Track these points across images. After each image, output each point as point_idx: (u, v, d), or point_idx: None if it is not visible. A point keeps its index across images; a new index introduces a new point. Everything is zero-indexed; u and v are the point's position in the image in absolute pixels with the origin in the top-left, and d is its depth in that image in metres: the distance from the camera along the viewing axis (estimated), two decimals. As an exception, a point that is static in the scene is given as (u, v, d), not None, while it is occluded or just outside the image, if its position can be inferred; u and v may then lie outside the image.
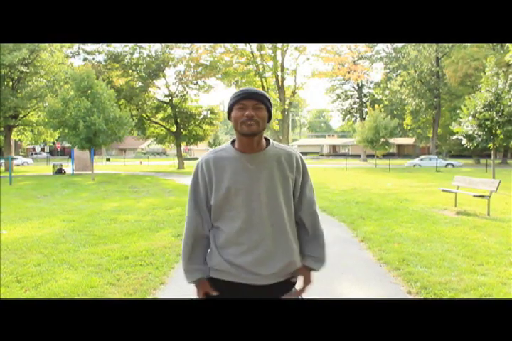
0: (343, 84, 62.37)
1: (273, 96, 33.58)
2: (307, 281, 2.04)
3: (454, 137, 20.01)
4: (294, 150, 2.09)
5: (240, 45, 32.33)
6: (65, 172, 28.10)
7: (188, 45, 34.41)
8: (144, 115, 35.48)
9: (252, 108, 1.89)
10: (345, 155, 55.83)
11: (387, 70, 55.43)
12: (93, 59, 34.92)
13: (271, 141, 2.05)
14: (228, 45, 32.31)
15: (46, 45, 29.55)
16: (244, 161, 1.95)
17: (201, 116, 36.89)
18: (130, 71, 34.91)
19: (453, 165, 38.39)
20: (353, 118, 62.51)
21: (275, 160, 1.98)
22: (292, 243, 2.01)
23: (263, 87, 31.95)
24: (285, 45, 31.24)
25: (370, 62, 57.75)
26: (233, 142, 2.05)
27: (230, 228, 1.95)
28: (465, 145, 18.47)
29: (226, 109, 2.01)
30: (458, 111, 18.68)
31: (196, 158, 60.69)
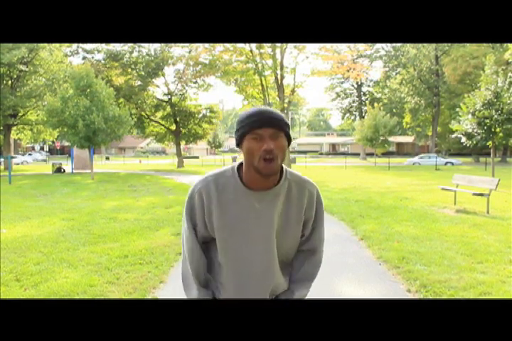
0: (342, 83, 62.37)
1: (272, 95, 33.55)
2: None
3: (454, 135, 20.00)
4: (311, 184, 1.77)
5: (239, 44, 32.28)
6: (64, 171, 28.09)
7: (187, 43, 34.38)
8: (143, 114, 35.47)
9: (269, 138, 1.55)
10: (344, 154, 55.83)
11: (387, 69, 55.39)
12: (92, 58, 34.91)
13: (284, 169, 1.71)
14: (227, 44, 32.24)
15: (45, 43, 29.53)
16: (251, 200, 1.65)
17: (200, 115, 36.91)
18: (129, 70, 34.90)
19: (452, 164, 38.40)
20: (353, 117, 62.54)
21: (287, 195, 1.70)
22: (283, 284, 1.80)
23: (262, 85, 31.91)
24: (284, 44, 31.19)
25: (369, 61, 57.73)
26: (239, 168, 1.70)
27: (227, 267, 1.71)
28: (464, 144, 18.47)
29: (235, 134, 1.65)
30: (457, 110, 18.67)
31: (196, 157, 60.74)
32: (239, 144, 1.65)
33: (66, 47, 33.98)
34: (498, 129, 16.78)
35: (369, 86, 62.08)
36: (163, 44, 34.36)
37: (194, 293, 1.71)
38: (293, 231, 1.74)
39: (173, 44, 34.37)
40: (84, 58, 34.83)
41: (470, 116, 17.17)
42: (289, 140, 1.64)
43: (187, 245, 1.76)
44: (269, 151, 1.53)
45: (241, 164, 1.70)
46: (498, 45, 36.27)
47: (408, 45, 47.78)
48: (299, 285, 1.81)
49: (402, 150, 66.54)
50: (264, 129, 1.55)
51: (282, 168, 1.70)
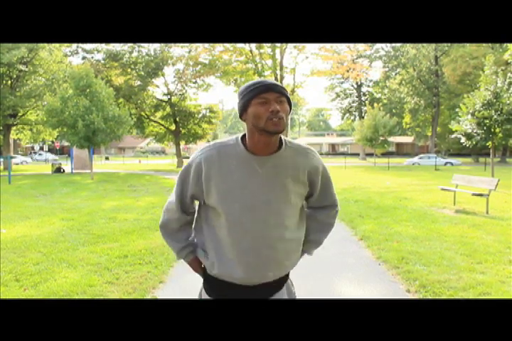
0: (342, 83, 62.41)
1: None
2: None
3: (453, 136, 19.98)
4: (309, 150, 1.84)
5: (239, 44, 32.30)
6: (64, 171, 28.08)
7: (186, 43, 34.39)
8: (143, 114, 35.46)
9: (275, 102, 1.65)
10: (344, 154, 55.83)
11: (386, 69, 55.42)
12: (92, 58, 34.89)
13: (283, 138, 1.79)
14: (227, 44, 32.26)
15: (45, 43, 29.53)
16: (254, 164, 1.70)
17: (200, 115, 36.89)
18: (129, 70, 34.88)
19: (452, 164, 38.41)
20: (352, 117, 62.55)
21: (289, 163, 1.75)
22: (297, 258, 1.87)
23: (262, 85, 31.88)
24: (284, 44, 31.20)
25: (369, 61, 57.74)
26: (243, 138, 1.77)
27: (230, 237, 1.74)
28: (464, 144, 18.47)
29: (237, 106, 1.73)
30: (457, 110, 18.67)
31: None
32: (242, 114, 1.72)
33: (66, 47, 33.96)
34: (497, 129, 16.79)
35: (369, 86, 62.11)
36: (162, 44, 34.36)
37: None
38: (297, 201, 1.78)
39: (172, 44, 34.38)
40: (83, 58, 34.82)
41: (469, 116, 17.17)
42: (290, 106, 1.73)
43: (168, 213, 1.92)
44: (276, 112, 1.62)
45: (244, 135, 1.76)
46: (497, 45, 36.29)
47: (408, 45, 47.83)
48: (324, 234, 1.97)
49: (401, 150, 66.56)
50: (270, 93, 1.64)
51: (281, 136, 1.78)
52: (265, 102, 1.64)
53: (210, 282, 1.78)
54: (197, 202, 1.90)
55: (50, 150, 65.49)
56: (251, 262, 1.69)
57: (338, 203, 2.00)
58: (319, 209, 1.96)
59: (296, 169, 1.75)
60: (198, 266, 1.89)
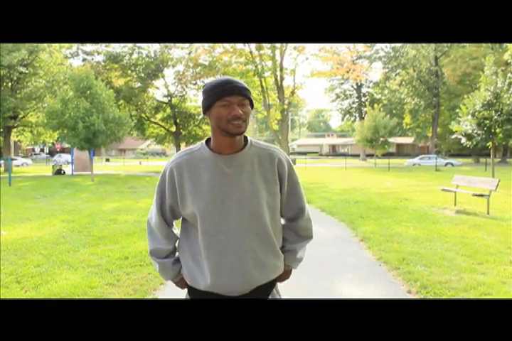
0: (342, 84, 62.44)
1: (272, 96, 33.57)
2: (284, 278, 1.91)
3: (454, 136, 19.99)
4: (276, 149, 1.86)
5: (239, 45, 32.34)
6: (64, 172, 28.08)
7: (186, 45, 34.43)
8: (143, 115, 35.50)
9: (237, 105, 1.68)
10: (344, 155, 55.83)
11: (386, 69, 55.45)
12: (92, 59, 35.00)
13: (249, 139, 1.81)
14: (227, 45, 32.28)
15: (45, 45, 29.58)
16: (220, 164, 1.73)
17: (200, 116, 36.89)
18: (129, 71, 34.95)
19: (452, 165, 38.40)
20: (352, 118, 62.55)
21: (255, 161, 1.76)
22: (278, 259, 1.83)
23: (262, 86, 31.95)
24: (284, 44, 31.23)
25: (369, 62, 57.77)
26: (207, 141, 1.82)
27: (205, 240, 1.73)
28: (464, 144, 18.47)
29: (201, 103, 1.76)
30: (457, 110, 18.67)
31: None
32: (205, 112, 1.76)
33: (66, 49, 34.05)
34: (497, 130, 16.78)
35: (369, 87, 62.14)
36: (162, 45, 34.41)
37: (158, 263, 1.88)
38: (268, 198, 1.77)
39: (172, 45, 34.42)
40: (84, 60, 34.93)
41: (470, 116, 17.17)
42: (252, 106, 1.76)
43: (154, 225, 1.90)
44: (238, 117, 1.65)
45: (209, 139, 1.81)
46: (497, 45, 36.32)
47: (407, 45, 47.87)
48: (299, 244, 1.93)
49: (402, 151, 66.54)
50: (233, 97, 1.66)
51: (246, 137, 1.81)
52: (228, 105, 1.67)
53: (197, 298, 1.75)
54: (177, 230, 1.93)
55: (51, 152, 65.51)
56: (229, 263, 1.69)
57: (307, 210, 1.95)
58: (289, 216, 1.93)
59: (262, 166, 1.77)
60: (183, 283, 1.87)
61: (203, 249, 1.72)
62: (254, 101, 1.78)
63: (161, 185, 1.85)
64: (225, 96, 1.66)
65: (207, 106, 1.73)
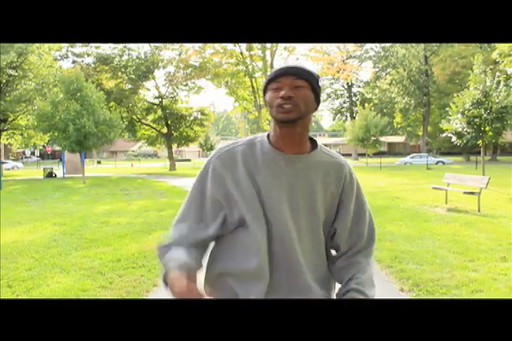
0: (332, 84, 62.59)
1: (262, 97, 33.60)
2: None
3: (444, 135, 20.15)
4: (345, 161, 1.58)
5: (229, 46, 32.37)
6: (55, 175, 27.92)
7: (177, 46, 34.41)
8: (134, 117, 35.39)
9: (288, 87, 1.42)
10: (336, 155, 55.85)
11: (377, 69, 55.72)
12: (82, 61, 34.85)
13: (318, 144, 1.55)
14: (218, 46, 32.30)
15: (34, 47, 29.37)
16: (280, 162, 1.46)
17: (192, 118, 36.89)
18: (119, 73, 34.82)
19: (443, 163, 38.66)
20: (344, 118, 62.77)
21: (321, 169, 1.49)
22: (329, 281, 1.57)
23: (253, 87, 32.00)
24: (274, 45, 31.30)
25: (359, 61, 58.02)
26: (269, 136, 1.54)
27: (247, 249, 1.45)
28: (455, 143, 18.61)
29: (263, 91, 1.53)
30: (447, 109, 18.83)
31: (188, 160, 60.58)
32: (265, 102, 1.53)
33: (55, 51, 33.84)
34: (487, 128, 16.93)
35: (359, 86, 62.37)
36: (153, 47, 34.34)
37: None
38: (327, 206, 1.51)
39: (163, 46, 34.36)
40: (73, 62, 34.76)
41: (460, 115, 17.30)
42: (317, 98, 1.50)
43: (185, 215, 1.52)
44: (285, 98, 1.40)
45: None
46: (485, 44, 36.65)
47: (397, 45, 48.15)
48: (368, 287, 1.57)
49: (393, 150, 66.91)
50: (285, 77, 1.43)
51: (316, 141, 1.56)
52: (279, 88, 1.43)
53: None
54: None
55: (42, 154, 65.11)
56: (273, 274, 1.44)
57: (373, 248, 1.72)
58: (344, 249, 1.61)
59: (328, 175, 1.50)
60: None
61: (230, 258, 1.46)
62: (320, 89, 1.51)
63: (202, 176, 1.51)
64: (277, 77, 1.44)
65: (264, 94, 1.51)
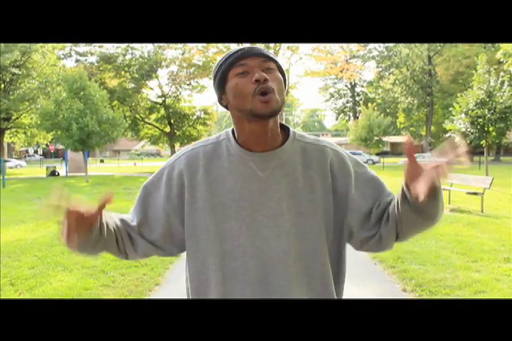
0: (335, 83, 62.55)
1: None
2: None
3: (447, 135, 20.10)
4: (328, 144, 1.31)
5: (233, 45, 32.34)
6: (58, 174, 27.97)
7: (180, 45, 34.43)
8: (137, 116, 35.46)
9: (259, 68, 1.17)
10: (339, 154, 55.80)
11: (380, 69, 55.62)
12: (85, 60, 34.96)
13: (290, 129, 1.31)
14: (221, 45, 32.32)
15: (38, 46, 29.46)
16: (250, 164, 1.22)
17: (195, 117, 36.92)
18: (123, 72, 34.90)
19: (446, 163, 38.51)
20: (347, 117, 62.71)
21: (298, 162, 1.25)
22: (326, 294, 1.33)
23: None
24: (277, 44, 31.29)
25: (362, 61, 57.93)
26: (233, 132, 1.28)
27: (226, 266, 1.23)
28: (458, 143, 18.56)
29: (214, 89, 1.26)
30: (450, 109, 18.78)
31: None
32: (221, 97, 1.25)
33: (59, 50, 33.96)
34: (491, 128, 16.89)
35: (362, 86, 62.28)
36: (156, 46, 34.39)
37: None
38: (320, 203, 1.24)
39: (166, 46, 34.41)
40: (77, 61, 34.90)
41: (463, 115, 17.27)
42: (283, 75, 1.24)
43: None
44: (262, 81, 1.14)
45: (233, 130, 1.30)
46: (489, 44, 36.54)
47: (401, 45, 48.05)
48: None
49: (396, 150, 66.76)
50: (251, 58, 1.18)
51: (288, 127, 1.32)
52: (246, 72, 1.17)
53: None
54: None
55: (45, 153, 65.27)
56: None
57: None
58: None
59: (309, 168, 1.25)
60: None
61: (218, 275, 1.24)
62: (284, 72, 1.26)
63: (151, 187, 1.31)
64: (240, 59, 1.18)
65: (220, 85, 1.22)
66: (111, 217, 1.30)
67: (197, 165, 1.25)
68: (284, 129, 1.30)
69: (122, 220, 1.34)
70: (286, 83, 1.25)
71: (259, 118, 1.16)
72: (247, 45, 1.22)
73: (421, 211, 1.17)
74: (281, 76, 1.21)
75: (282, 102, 1.19)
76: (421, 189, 1.07)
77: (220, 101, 1.26)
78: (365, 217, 1.29)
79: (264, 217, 1.21)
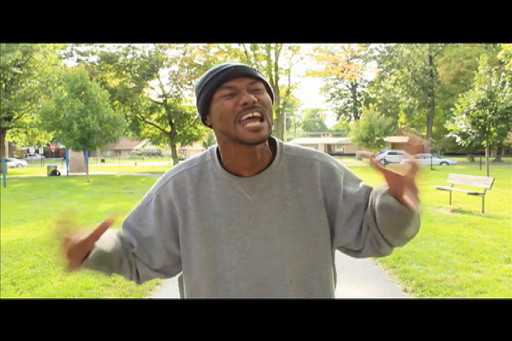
0: (336, 83, 62.57)
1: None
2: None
3: (448, 135, 20.09)
4: (317, 156, 1.26)
5: (234, 45, 32.39)
6: (59, 173, 27.99)
7: (181, 45, 34.44)
8: (138, 116, 35.45)
9: (247, 90, 1.12)
10: (340, 154, 56.01)
11: (381, 69, 55.60)
12: (86, 60, 34.94)
13: (277, 142, 1.25)
14: (222, 45, 32.33)
15: (39, 46, 29.48)
16: (240, 190, 1.19)
17: (196, 117, 36.88)
18: (124, 72, 34.89)
19: (447, 163, 38.54)
20: (348, 117, 62.75)
21: (286, 179, 1.21)
22: None
23: (257, 86, 31.99)
24: (279, 44, 31.29)
25: (363, 61, 57.93)
26: (218, 153, 1.24)
27: (216, 289, 1.26)
28: (459, 143, 18.56)
29: (197, 107, 1.21)
30: (452, 109, 18.78)
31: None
32: (205, 117, 1.19)
33: (60, 50, 33.97)
34: (492, 129, 16.88)
35: (363, 86, 62.29)
36: (157, 46, 34.40)
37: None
38: (307, 233, 1.21)
39: (167, 45, 34.41)
40: (78, 60, 34.88)
41: (464, 115, 17.26)
42: (272, 96, 1.18)
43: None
44: (250, 104, 1.08)
45: (218, 149, 1.25)
46: (491, 45, 36.50)
47: (402, 45, 48.05)
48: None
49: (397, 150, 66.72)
50: (238, 79, 1.12)
51: (274, 140, 1.25)
52: (233, 94, 1.11)
53: None
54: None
55: (46, 153, 65.30)
56: None
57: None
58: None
59: (297, 185, 1.21)
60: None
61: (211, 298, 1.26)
62: (272, 90, 1.21)
63: (140, 214, 1.31)
64: (225, 81, 1.11)
65: (204, 105, 1.16)
66: (111, 243, 1.30)
67: (185, 191, 1.23)
68: (271, 142, 1.25)
69: (123, 247, 1.31)
70: (273, 102, 1.20)
71: (247, 145, 1.12)
72: (234, 63, 1.16)
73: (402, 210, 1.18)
74: (269, 97, 1.16)
75: (271, 125, 1.14)
76: (409, 198, 1.13)
77: (204, 121, 1.21)
78: (355, 229, 1.27)
79: (254, 239, 1.19)
